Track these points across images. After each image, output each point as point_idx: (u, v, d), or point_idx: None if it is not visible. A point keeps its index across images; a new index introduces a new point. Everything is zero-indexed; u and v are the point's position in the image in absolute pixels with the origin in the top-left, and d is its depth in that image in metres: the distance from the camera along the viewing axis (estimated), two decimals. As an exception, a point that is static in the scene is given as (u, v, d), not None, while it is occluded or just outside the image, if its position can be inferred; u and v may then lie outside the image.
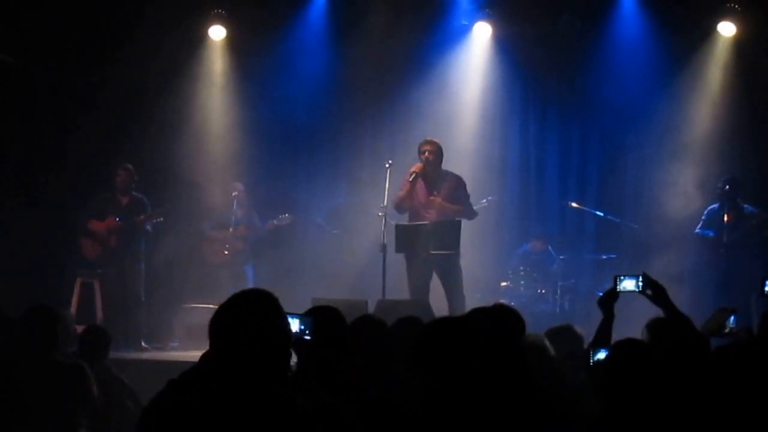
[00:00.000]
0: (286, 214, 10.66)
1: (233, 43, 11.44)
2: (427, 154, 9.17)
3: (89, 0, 10.60)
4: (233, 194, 10.67)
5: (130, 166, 10.15)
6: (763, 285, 5.17)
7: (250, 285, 10.29)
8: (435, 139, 9.38)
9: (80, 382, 5.52)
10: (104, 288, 10.02)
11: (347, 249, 10.85)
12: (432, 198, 9.14)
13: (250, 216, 10.86)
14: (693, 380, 3.83)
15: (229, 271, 10.59)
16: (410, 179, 9.13)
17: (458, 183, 9.30)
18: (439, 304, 8.40)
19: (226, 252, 10.55)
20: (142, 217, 10.07)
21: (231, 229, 10.58)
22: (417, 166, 9.11)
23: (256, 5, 11.15)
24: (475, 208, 10.74)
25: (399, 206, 9.34)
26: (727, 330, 4.43)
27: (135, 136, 10.89)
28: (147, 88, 10.84)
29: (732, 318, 4.40)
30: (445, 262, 9.07)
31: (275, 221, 10.61)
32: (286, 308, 3.03)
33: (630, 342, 3.83)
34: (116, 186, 10.13)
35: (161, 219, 10.14)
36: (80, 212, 10.13)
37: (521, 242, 11.34)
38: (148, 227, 10.12)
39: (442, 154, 9.26)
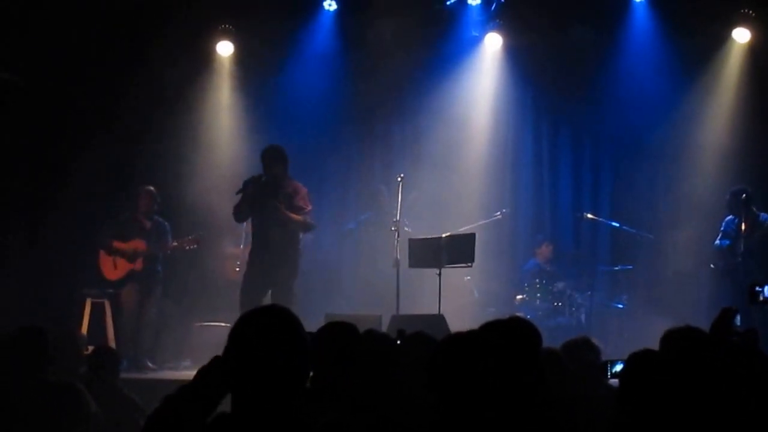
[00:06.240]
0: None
1: (241, 58, 11.38)
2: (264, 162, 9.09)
3: (97, 18, 10.54)
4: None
5: (152, 189, 9.98)
6: (753, 294, 4.91)
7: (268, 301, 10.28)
8: (274, 146, 9.24)
9: (73, 401, 5.41)
10: (115, 309, 9.88)
11: (361, 264, 10.78)
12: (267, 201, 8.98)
13: None
14: (709, 390, 3.78)
15: None
16: (237, 192, 9.06)
17: (295, 192, 9.12)
18: (451, 318, 8.31)
19: (237, 269, 10.45)
20: (174, 243, 9.91)
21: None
22: (254, 178, 9.05)
23: (264, 20, 11.07)
24: (488, 221, 10.74)
25: (234, 216, 9.31)
26: (735, 330, 4.36)
27: (145, 155, 10.82)
28: (156, 106, 10.78)
29: (738, 317, 4.33)
30: (278, 275, 9.00)
31: None
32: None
33: (646, 353, 3.77)
34: (139, 208, 9.94)
35: (195, 246, 9.91)
36: (101, 231, 9.93)
37: (527, 258, 11.26)
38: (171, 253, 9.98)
39: (282, 161, 9.08)
